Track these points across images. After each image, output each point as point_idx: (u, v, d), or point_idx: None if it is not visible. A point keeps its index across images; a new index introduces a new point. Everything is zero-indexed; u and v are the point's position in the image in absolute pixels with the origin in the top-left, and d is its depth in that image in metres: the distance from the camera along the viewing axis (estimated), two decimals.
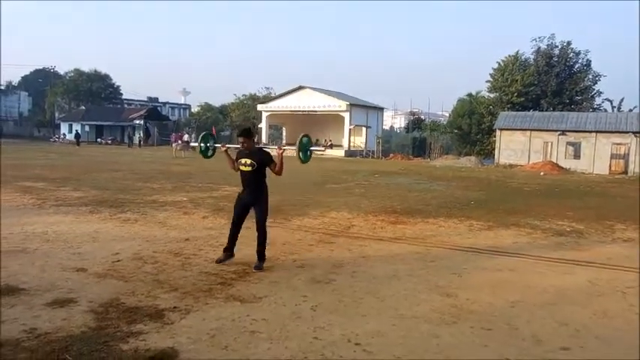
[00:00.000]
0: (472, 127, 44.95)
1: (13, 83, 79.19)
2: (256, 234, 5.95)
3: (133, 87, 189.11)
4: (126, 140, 51.37)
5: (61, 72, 69.43)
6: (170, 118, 66.92)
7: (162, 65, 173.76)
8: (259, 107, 48.40)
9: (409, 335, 4.10)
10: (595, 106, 45.13)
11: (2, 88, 75.09)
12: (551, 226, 9.63)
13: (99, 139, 55.00)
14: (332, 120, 44.73)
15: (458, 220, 9.94)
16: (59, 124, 61.44)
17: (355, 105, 44.92)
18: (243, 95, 57.00)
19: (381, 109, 52.54)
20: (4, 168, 17.61)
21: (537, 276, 6.10)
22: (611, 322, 4.62)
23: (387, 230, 8.84)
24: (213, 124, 56.16)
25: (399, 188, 16.14)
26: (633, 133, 31.25)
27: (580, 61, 45.41)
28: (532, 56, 46.12)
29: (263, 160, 5.90)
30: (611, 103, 45.74)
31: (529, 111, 39.83)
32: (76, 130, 51.93)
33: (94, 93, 64.72)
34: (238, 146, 6.04)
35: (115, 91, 68.81)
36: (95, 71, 66.12)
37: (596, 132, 32.43)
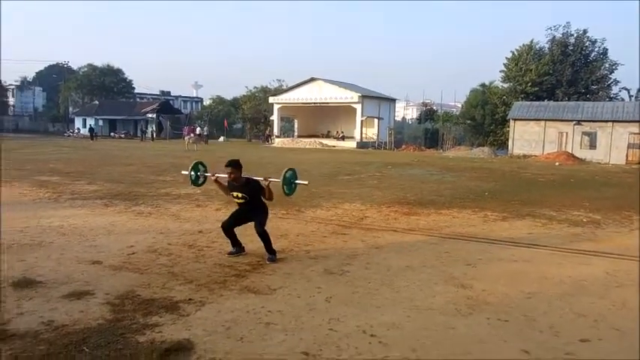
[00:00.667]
0: (485, 118, 44.49)
1: (28, 79, 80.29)
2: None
3: (146, 81, 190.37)
4: (139, 134, 51.80)
5: (75, 67, 70.26)
6: (182, 111, 67.28)
7: (174, 59, 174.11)
8: (271, 99, 48.29)
9: (425, 327, 4.08)
10: (612, 96, 44.45)
11: (17, 84, 76.10)
12: (567, 217, 9.50)
13: (112, 133, 55.60)
14: (344, 112, 44.53)
15: (472, 211, 9.85)
16: (73, 119, 62.24)
17: (367, 96, 44.62)
18: (254, 87, 57.00)
19: (393, 100, 52.11)
20: (20, 163, 17.86)
21: (554, 267, 6.03)
22: (630, 313, 4.54)
23: (401, 221, 8.80)
24: (225, 116, 56.48)
25: (412, 179, 16.04)
26: None
27: (596, 49, 44.68)
28: (547, 45, 45.47)
29: (254, 192, 5.97)
30: (629, 92, 45.05)
31: (543, 101, 39.31)
32: (90, 125, 52.40)
33: (107, 87, 65.43)
34: (226, 176, 6.06)
35: (128, 85, 69.40)
36: (108, 66, 66.72)
37: (613, 121, 31.92)
